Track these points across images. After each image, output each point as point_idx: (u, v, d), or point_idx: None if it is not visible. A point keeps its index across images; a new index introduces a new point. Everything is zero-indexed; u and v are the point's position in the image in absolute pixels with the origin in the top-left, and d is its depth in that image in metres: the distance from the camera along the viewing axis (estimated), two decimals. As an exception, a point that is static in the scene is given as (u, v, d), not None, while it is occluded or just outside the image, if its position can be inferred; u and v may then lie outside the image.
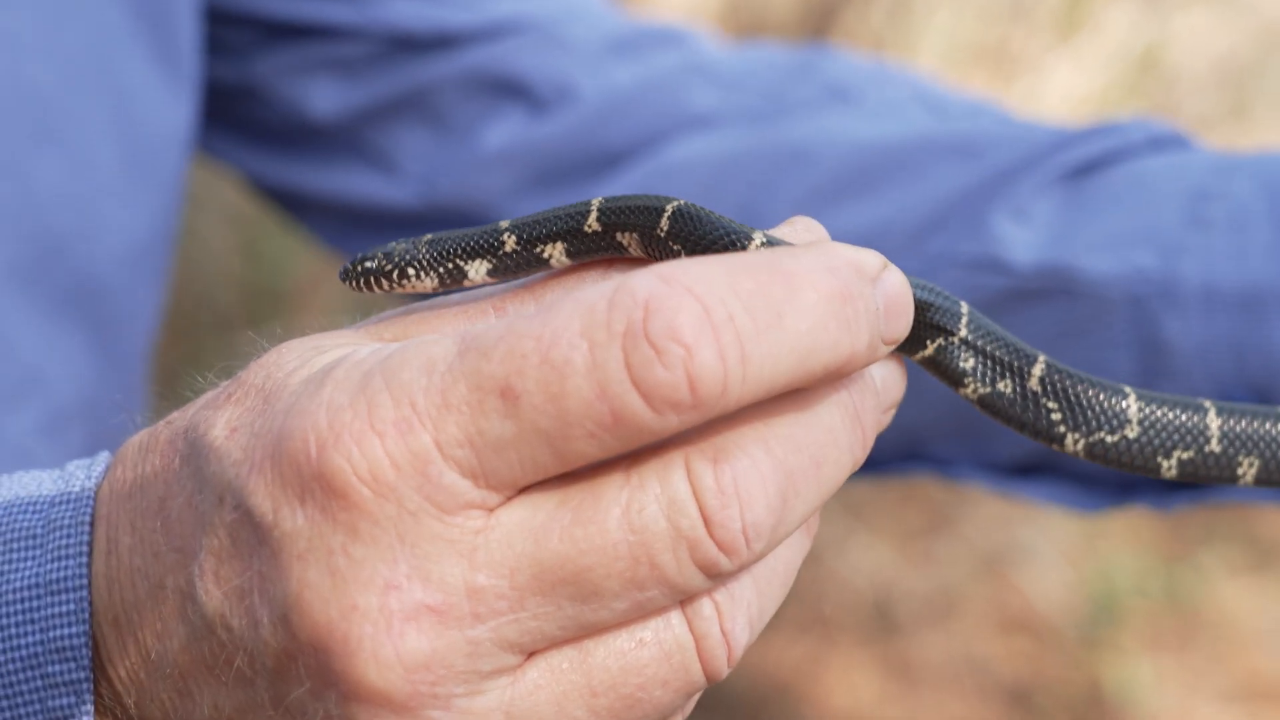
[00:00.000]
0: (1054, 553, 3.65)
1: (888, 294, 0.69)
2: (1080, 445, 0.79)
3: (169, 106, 1.37)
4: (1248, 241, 1.19)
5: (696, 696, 0.72)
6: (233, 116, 1.51)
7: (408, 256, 0.81)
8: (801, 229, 0.76)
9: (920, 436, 1.31)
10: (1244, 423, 0.81)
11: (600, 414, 0.63)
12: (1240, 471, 0.81)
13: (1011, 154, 1.28)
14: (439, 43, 1.44)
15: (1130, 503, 1.26)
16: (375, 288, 0.82)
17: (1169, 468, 0.80)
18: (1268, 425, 0.81)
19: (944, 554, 3.64)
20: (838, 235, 1.28)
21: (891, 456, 1.34)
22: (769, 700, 3.35)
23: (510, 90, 1.44)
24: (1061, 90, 4.39)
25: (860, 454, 0.70)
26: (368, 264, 0.81)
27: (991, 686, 3.43)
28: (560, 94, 1.43)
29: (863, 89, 1.42)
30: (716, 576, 0.66)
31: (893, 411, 0.76)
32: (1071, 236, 1.24)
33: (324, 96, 1.46)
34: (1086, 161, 1.27)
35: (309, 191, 1.50)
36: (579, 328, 0.63)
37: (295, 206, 1.54)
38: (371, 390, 0.65)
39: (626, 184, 1.39)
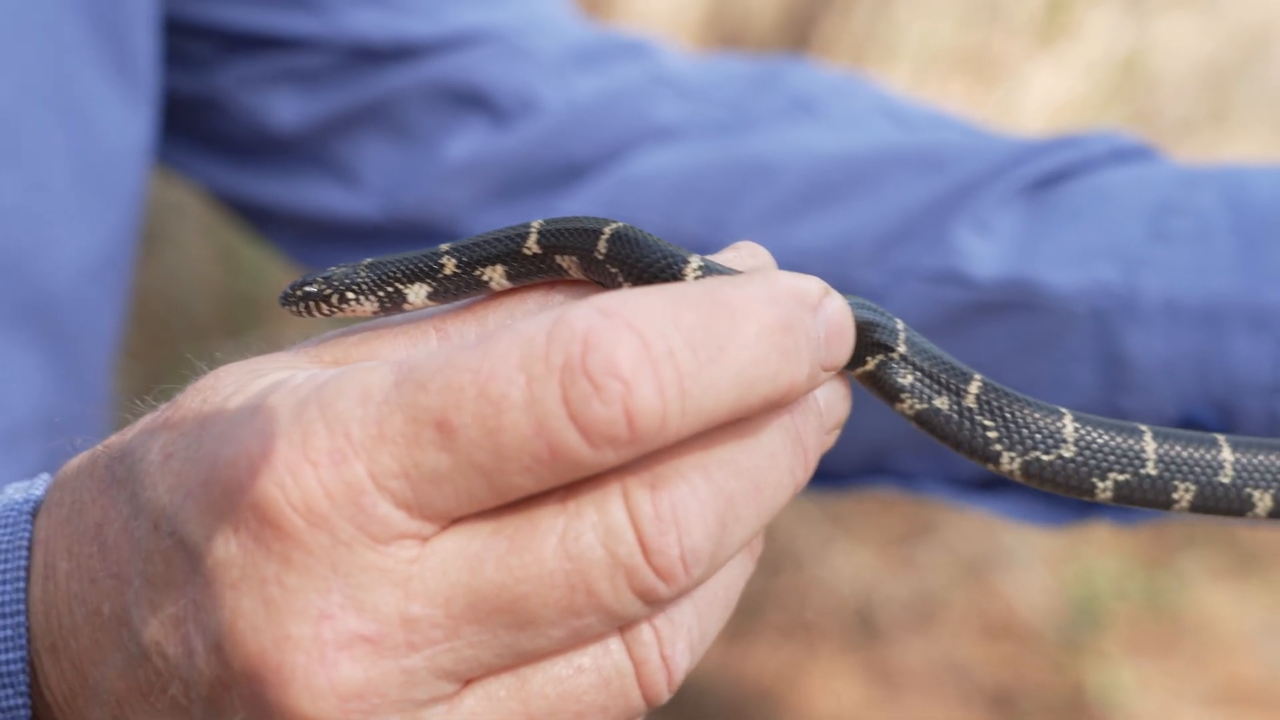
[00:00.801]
0: (1035, 558, 3.65)
1: (829, 321, 0.68)
2: (1016, 464, 0.78)
3: (126, 121, 1.36)
4: (1210, 255, 1.18)
5: None
6: (194, 128, 1.50)
7: (347, 281, 0.80)
8: (746, 254, 0.76)
9: (883, 451, 1.31)
10: (1180, 448, 0.80)
11: (537, 449, 0.62)
12: (1176, 496, 0.80)
13: (974, 166, 1.28)
14: (400, 53, 1.43)
15: (1092, 517, 1.25)
16: (315, 312, 0.81)
17: (1104, 489, 0.79)
18: (1205, 452, 0.80)
19: (925, 560, 3.64)
20: (801, 249, 1.29)
21: (855, 471, 1.34)
22: (751, 707, 3.34)
23: (472, 101, 1.43)
24: (1043, 97, 4.39)
25: (802, 476, 0.70)
26: (307, 288, 0.81)
27: (974, 691, 3.43)
28: (523, 105, 1.42)
29: (827, 101, 1.41)
30: (655, 603, 0.65)
31: (837, 432, 0.75)
32: (1033, 249, 1.23)
33: (285, 108, 1.45)
34: (1049, 174, 1.26)
35: (271, 204, 1.49)
36: (517, 361, 0.62)
37: (258, 219, 1.53)
38: (306, 419, 0.65)
39: (590, 196, 1.39)
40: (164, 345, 3.45)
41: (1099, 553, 3.72)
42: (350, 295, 0.80)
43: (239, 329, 3.49)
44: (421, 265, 0.79)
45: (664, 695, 0.69)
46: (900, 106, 1.42)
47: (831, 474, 1.35)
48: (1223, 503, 0.81)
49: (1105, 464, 0.79)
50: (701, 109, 1.42)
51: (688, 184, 1.35)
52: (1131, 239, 1.21)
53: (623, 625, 0.67)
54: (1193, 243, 1.19)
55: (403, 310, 0.80)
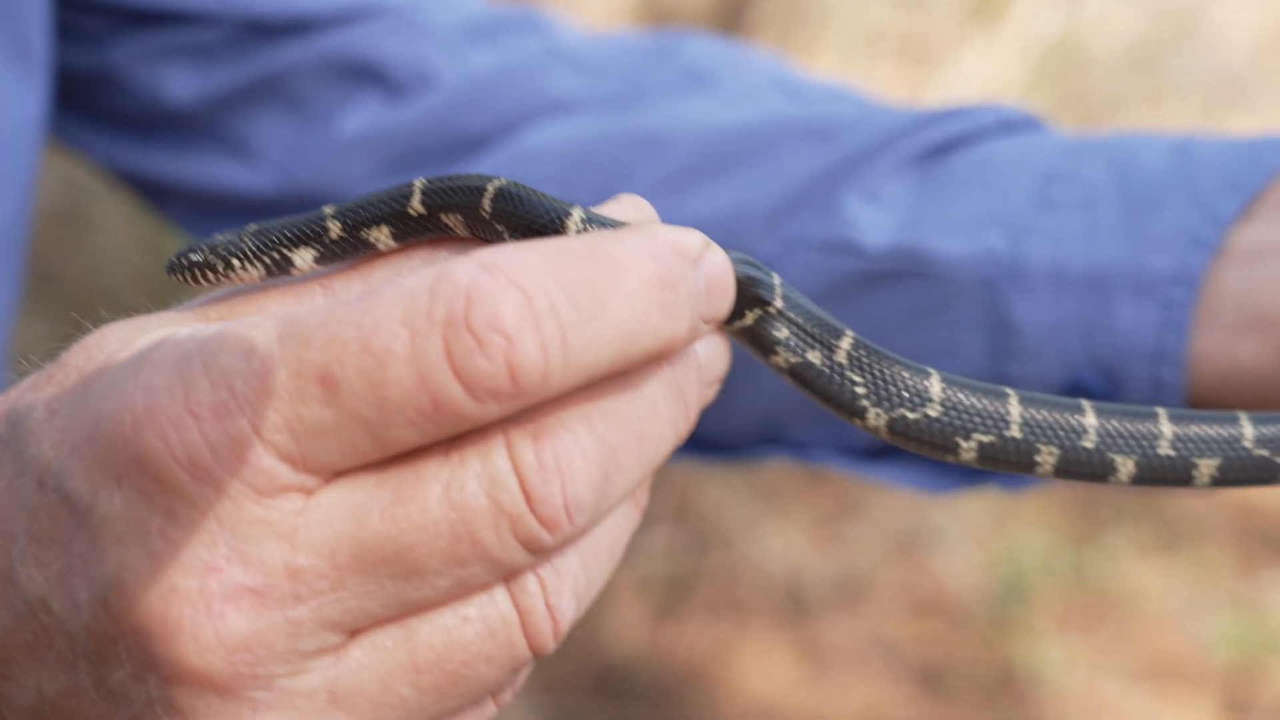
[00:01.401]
0: (964, 535, 3.68)
1: (709, 275, 0.69)
2: (882, 420, 0.79)
3: (19, 96, 1.34)
4: (1096, 223, 1.20)
5: (525, 671, 0.73)
6: (90, 104, 1.49)
7: (232, 248, 0.80)
8: (629, 206, 0.76)
9: (778, 420, 1.32)
10: (1046, 412, 0.81)
11: (420, 402, 0.63)
12: (1039, 459, 0.81)
13: (864, 137, 1.28)
14: (294, 27, 1.42)
15: (980, 483, 1.26)
16: (202, 280, 0.81)
17: (968, 449, 0.80)
18: (1069, 416, 0.81)
19: (854, 538, 3.66)
20: (694, 219, 1.29)
21: (750, 440, 1.35)
22: (681, 685, 3.35)
23: (368, 75, 1.43)
24: (976, 79, 4.42)
25: (684, 428, 0.71)
26: (193, 256, 0.80)
27: (903, 668, 3.45)
28: (418, 79, 1.42)
29: (720, 73, 1.42)
30: (539, 552, 0.66)
31: (717, 386, 0.76)
32: (922, 219, 1.24)
33: (180, 83, 1.44)
34: (938, 144, 1.27)
35: (168, 179, 1.48)
36: (400, 316, 0.63)
37: (155, 195, 1.52)
38: (189, 373, 0.65)
39: (486, 169, 1.39)
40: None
41: (1027, 529, 3.75)
42: (235, 262, 0.80)
43: (165, 313, 3.46)
44: (307, 230, 0.79)
45: (550, 645, 0.69)
46: (793, 79, 1.43)
47: (727, 444, 1.36)
48: (1085, 467, 0.82)
49: (970, 424, 0.79)
50: (596, 82, 1.42)
51: (581, 156, 1.36)
52: (1018, 207, 1.22)
53: (508, 575, 0.68)
54: (1079, 211, 1.21)
55: (290, 275, 0.80)
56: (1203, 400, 1.17)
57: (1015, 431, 0.80)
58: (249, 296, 0.76)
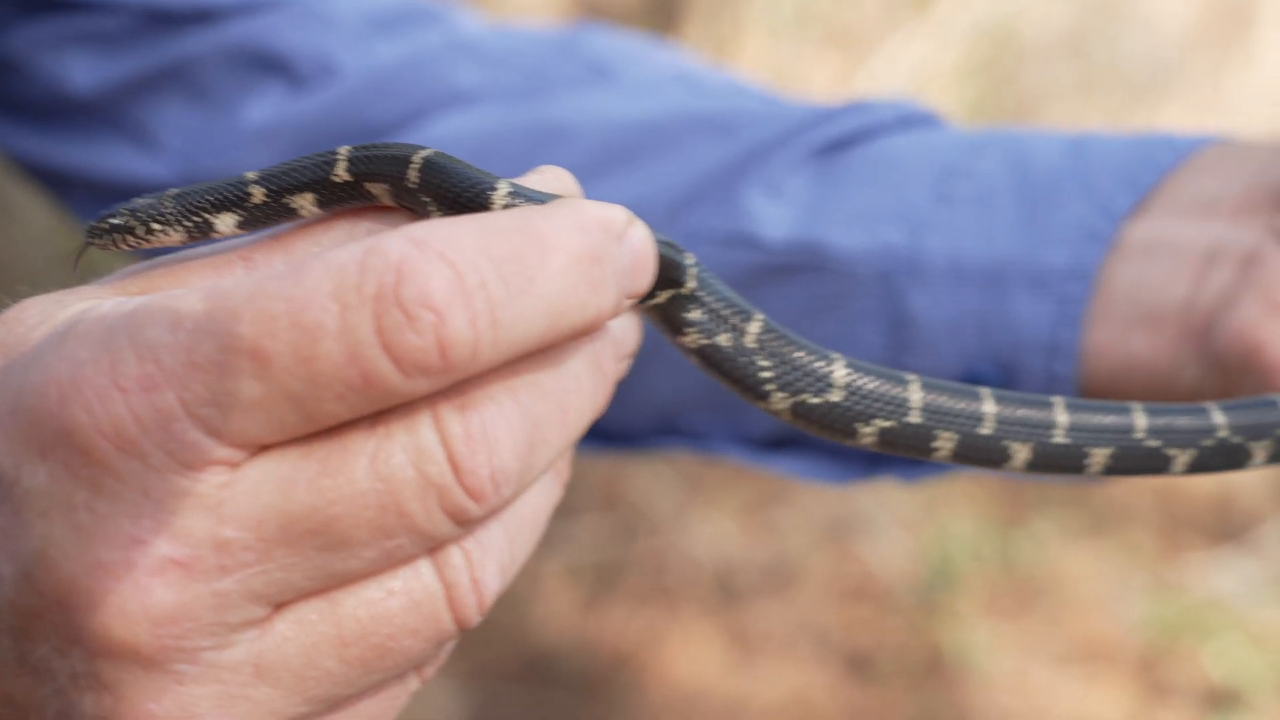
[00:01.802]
0: (892, 521, 3.70)
1: (633, 251, 0.70)
2: (785, 405, 0.80)
3: None
4: (993, 218, 1.21)
5: (450, 645, 0.73)
6: None
7: (152, 212, 0.79)
8: (550, 177, 0.76)
9: (675, 410, 1.33)
10: (944, 399, 0.82)
11: (350, 377, 0.63)
12: (936, 445, 0.83)
13: (765, 131, 1.29)
14: (197, 16, 1.42)
15: (878, 474, 1.28)
16: (121, 244, 0.80)
17: (868, 434, 0.81)
18: (967, 403, 0.83)
19: (783, 525, 3.68)
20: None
21: (648, 431, 1.35)
22: (609, 672, 3.36)
23: (271, 66, 1.42)
24: (907, 66, 4.44)
25: (602, 400, 0.72)
26: (113, 220, 0.80)
27: (831, 654, 3.48)
28: (322, 70, 1.42)
29: (623, 67, 1.43)
30: (465, 523, 0.66)
31: (629, 361, 0.76)
32: (822, 213, 1.25)
33: (82, 70, 1.43)
34: (838, 138, 1.28)
35: (69, 168, 1.47)
36: (330, 290, 0.63)
37: (57, 184, 1.51)
38: (115, 346, 0.65)
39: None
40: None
41: (955, 515, 3.78)
42: (156, 226, 0.79)
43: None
44: (229, 194, 0.78)
45: (474, 618, 0.70)
46: (695, 73, 1.44)
47: (625, 435, 1.37)
48: (982, 453, 0.84)
49: (871, 410, 0.81)
50: (499, 75, 1.43)
51: (484, 149, 1.36)
52: (916, 202, 1.23)
53: (433, 548, 0.68)
54: (975, 206, 1.22)
55: (211, 239, 0.79)
56: (1096, 394, 1.18)
57: (915, 418, 0.82)
58: (169, 270, 0.75)
